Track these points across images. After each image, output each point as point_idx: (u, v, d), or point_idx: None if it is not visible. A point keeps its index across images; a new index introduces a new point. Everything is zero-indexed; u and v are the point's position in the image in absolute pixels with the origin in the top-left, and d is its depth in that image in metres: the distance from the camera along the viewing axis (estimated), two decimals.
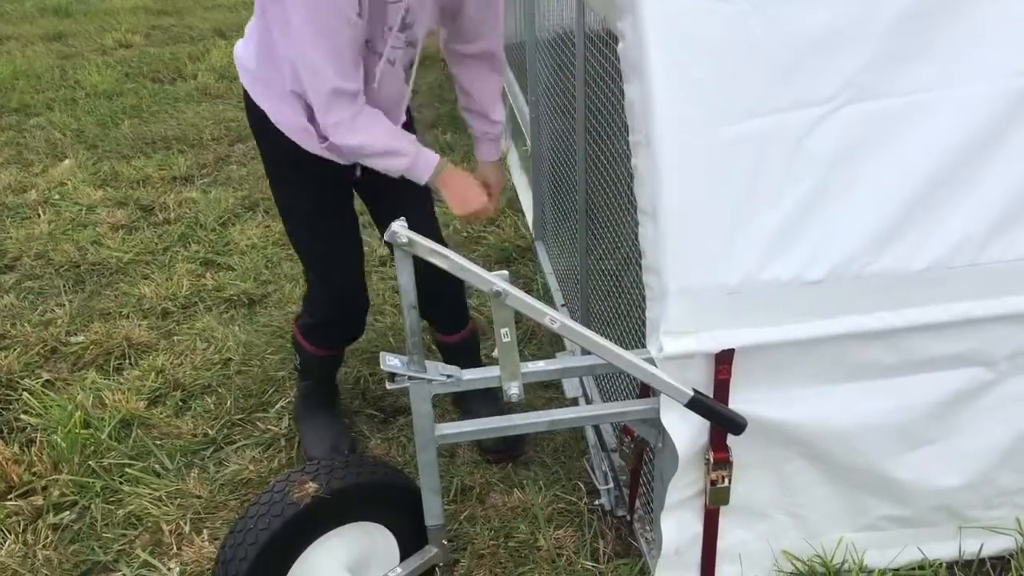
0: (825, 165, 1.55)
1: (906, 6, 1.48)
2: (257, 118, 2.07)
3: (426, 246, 1.51)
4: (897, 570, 1.94)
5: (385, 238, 1.50)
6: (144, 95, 5.77)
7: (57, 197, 4.24)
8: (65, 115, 5.39)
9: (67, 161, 4.68)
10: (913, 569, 1.95)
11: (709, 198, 1.54)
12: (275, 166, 2.18)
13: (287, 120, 2.01)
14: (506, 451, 2.40)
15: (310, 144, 2.01)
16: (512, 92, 4.13)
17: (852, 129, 1.54)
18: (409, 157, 1.95)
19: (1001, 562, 1.98)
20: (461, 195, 2.05)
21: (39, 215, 4.05)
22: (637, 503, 2.13)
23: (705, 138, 1.51)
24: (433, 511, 1.77)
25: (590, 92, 2.27)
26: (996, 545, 1.97)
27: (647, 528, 2.08)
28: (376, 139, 1.92)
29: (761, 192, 1.55)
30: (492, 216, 3.33)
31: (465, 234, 3.72)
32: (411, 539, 1.83)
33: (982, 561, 1.97)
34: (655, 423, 1.75)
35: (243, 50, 2.09)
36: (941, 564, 1.95)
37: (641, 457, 2.04)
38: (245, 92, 2.09)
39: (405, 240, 1.50)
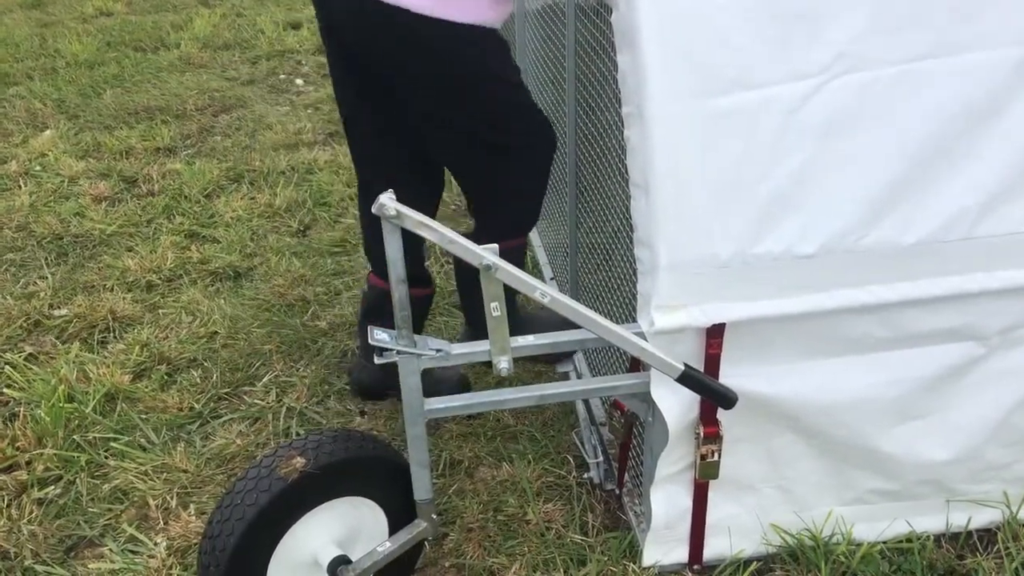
0: (818, 137, 1.54)
1: None
2: (459, 39, 1.94)
3: (415, 219, 1.48)
4: (885, 543, 1.95)
5: (373, 210, 1.48)
6: (126, 64, 5.68)
7: (38, 168, 4.18)
8: (45, 85, 5.31)
9: (48, 131, 4.61)
10: (901, 542, 1.95)
11: (702, 171, 1.53)
12: (498, 61, 2.07)
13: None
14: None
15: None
16: None
17: (845, 100, 1.53)
18: None
19: (988, 535, 1.99)
20: None
21: (20, 186, 3.99)
22: (626, 477, 2.13)
23: (698, 110, 1.49)
24: (422, 485, 1.76)
25: (580, 63, 2.24)
26: (983, 518, 1.98)
27: (636, 502, 2.08)
28: None
29: (753, 165, 1.54)
30: None
31: (454, 207, 3.70)
32: (400, 513, 1.82)
33: (969, 534, 1.99)
34: (645, 397, 1.74)
35: None
36: (928, 537, 1.96)
37: (631, 431, 2.03)
38: (441, 33, 1.91)
39: (393, 213, 1.47)
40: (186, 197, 3.85)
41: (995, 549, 1.95)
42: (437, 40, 1.93)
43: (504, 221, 2.30)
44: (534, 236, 3.35)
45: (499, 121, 2.12)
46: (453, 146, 2.18)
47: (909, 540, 1.95)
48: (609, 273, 2.28)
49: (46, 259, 3.40)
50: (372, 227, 2.31)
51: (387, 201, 1.47)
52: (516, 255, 2.35)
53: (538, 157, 2.23)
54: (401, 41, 1.95)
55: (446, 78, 2.01)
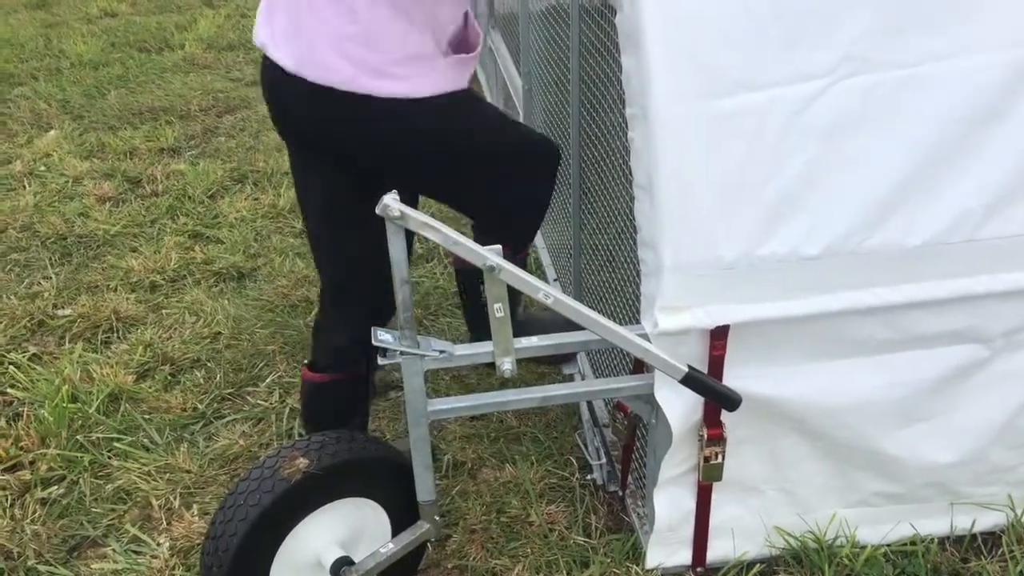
0: (823, 139, 1.54)
1: None
2: (400, 109, 1.79)
3: (418, 219, 1.48)
4: (889, 545, 1.94)
5: (377, 211, 1.48)
6: (130, 65, 5.69)
7: (43, 168, 4.19)
8: (50, 85, 5.32)
9: (52, 132, 4.62)
10: (905, 545, 1.95)
11: (706, 172, 1.52)
12: (484, 113, 2.01)
13: (435, 62, 1.82)
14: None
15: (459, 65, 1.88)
16: (505, 65, 4.08)
17: (850, 102, 1.52)
18: None
19: (992, 538, 1.99)
20: None
21: (24, 187, 4.00)
22: (629, 478, 2.12)
23: (703, 111, 1.49)
24: (425, 487, 1.76)
25: (584, 64, 2.24)
26: (987, 521, 1.97)
27: (639, 503, 2.08)
28: None
29: (758, 166, 1.54)
30: None
31: None
32: (403, 514, 1.82)
33: (973, 537, 1.98)
34: (649, 399, 1.74)
35: (340, 55, 1.73)
36: (933, 540, 1.96)
37: (634, 433, 2.03)
38: (371, 108, 1.77)
39: (397, 214, 1.47)
40: (190, 198, 3.86)
41: (999, 552, 1.95)
42: (417, 117, 1.82)
43: (527, 234, 2.20)
44: (537, 237, 3.35)
45: (512, 159, 2.02)
46: (473, 201, 2.10)
47: (913, 543, 1.95)
48: (613, 274, 2.28)
49: (50, 259, 3.41)
50: (332, 314, 2.13)
51: (391, 202, 1.47)
52: (523, 260, 2.31)
53: (552, 166, 2.11)
54: (380, 125, 1.82)
55: (443, 153, 1.91)
